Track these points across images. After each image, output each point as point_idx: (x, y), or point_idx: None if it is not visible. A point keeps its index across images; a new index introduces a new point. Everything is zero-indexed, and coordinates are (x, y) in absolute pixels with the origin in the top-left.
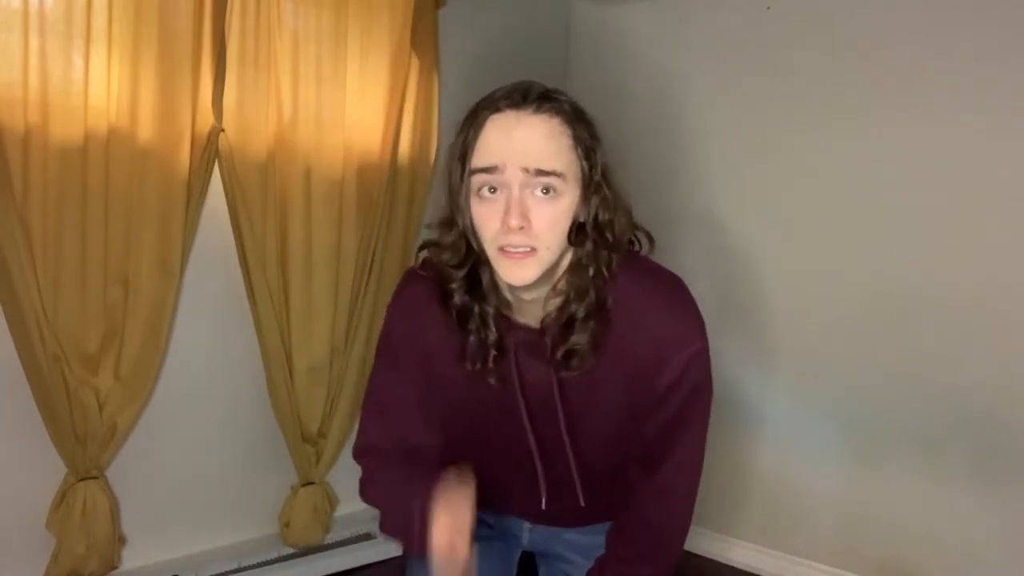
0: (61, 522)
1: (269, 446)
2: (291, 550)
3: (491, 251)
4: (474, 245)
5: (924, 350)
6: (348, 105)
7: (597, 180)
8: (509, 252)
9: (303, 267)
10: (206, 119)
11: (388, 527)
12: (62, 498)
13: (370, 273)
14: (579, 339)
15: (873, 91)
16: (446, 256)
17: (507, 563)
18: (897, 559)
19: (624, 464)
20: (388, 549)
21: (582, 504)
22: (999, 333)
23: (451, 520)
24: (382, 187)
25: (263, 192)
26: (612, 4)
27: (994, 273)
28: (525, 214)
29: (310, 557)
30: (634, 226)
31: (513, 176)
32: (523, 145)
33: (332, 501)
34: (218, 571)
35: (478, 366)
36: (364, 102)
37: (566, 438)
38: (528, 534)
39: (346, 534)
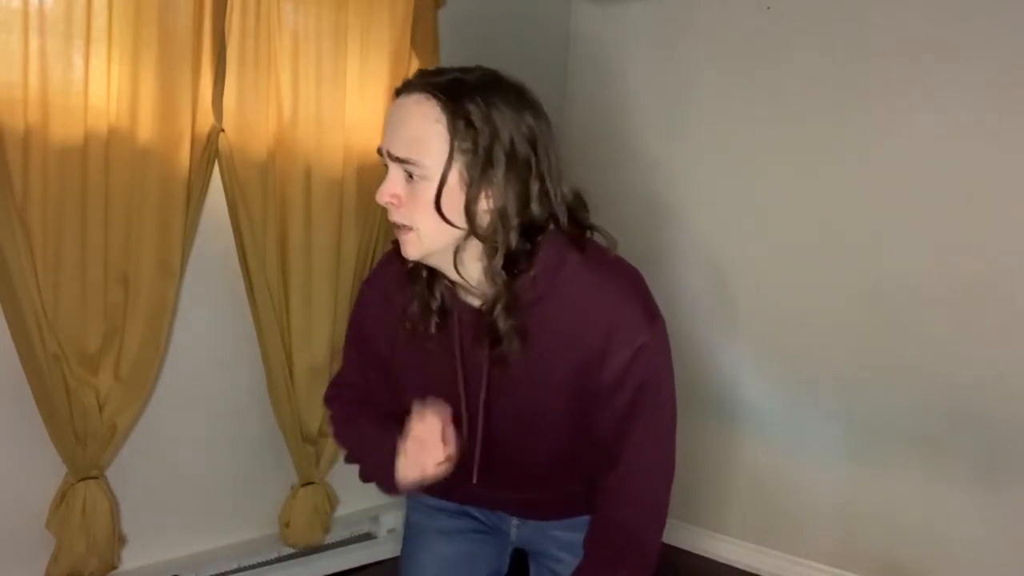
0: (61, 522)
1: (269, 446)
2: (291, 550)
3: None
4: None
5: (924, 350)
6: (348, 105)
7: (482, 163)
8: (397, 227)
9: (303, 267)
10: (206, 119)
11: (362, 470)
12: (62, 498)
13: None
14: (502, 326)
15: (873, 90)
16: None
17: (498, 560)
18: (897, 559)
19: (575, 456)
20: (388, 549)
21: (475, 481)
22: (999, 333)
23: (420, 450)
24: None
25: (263, 192)
26: (612, 4)
27: (994, 273)
28: (393, 192)
29: (310, 557)
30: (582, 214)
31: (388, 159)
32: (393, 130)
33: (332, 501)
34: (218, 571)
35: (420, 329)
36: (364, 102)
37: (480, 420)
38: (516, 530)
39: (346, 534)
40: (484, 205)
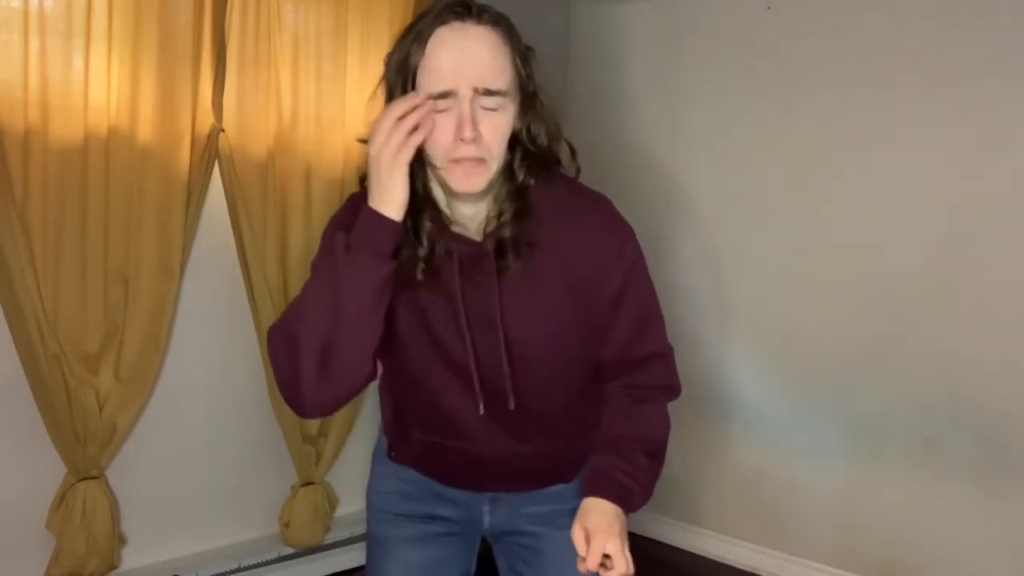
0: (61, 522)
1: (269, 446)
2: (291, 550)
3: (441, 163)
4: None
5: (924, 349)
6: (348, 105)
7: (532, 90)
8: (459, 160)
9: (303, 267)
10: (206, 119)
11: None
12: (62, 498)
13: None
14: (505, 230)
15: (874, 90)
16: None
17: (468, 559)
18: (897, 559)
19: (570, 391)
20: None
21: (511, 407)
22: (1000, 333)
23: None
24: None
25: (263, 192)
26: (612, 4)
27: (995, 273)
28: (477, 127)
29: (310, 557)
30: (568, 147)
31: (465, 97)
32: (474, 65)
33: (332, 501)
34: (218, 571)
35: (408, 278)
36: (364, 102)
37: (503, 349)
38: (488, 516)
39: (346, 534)
40: (534, 130)
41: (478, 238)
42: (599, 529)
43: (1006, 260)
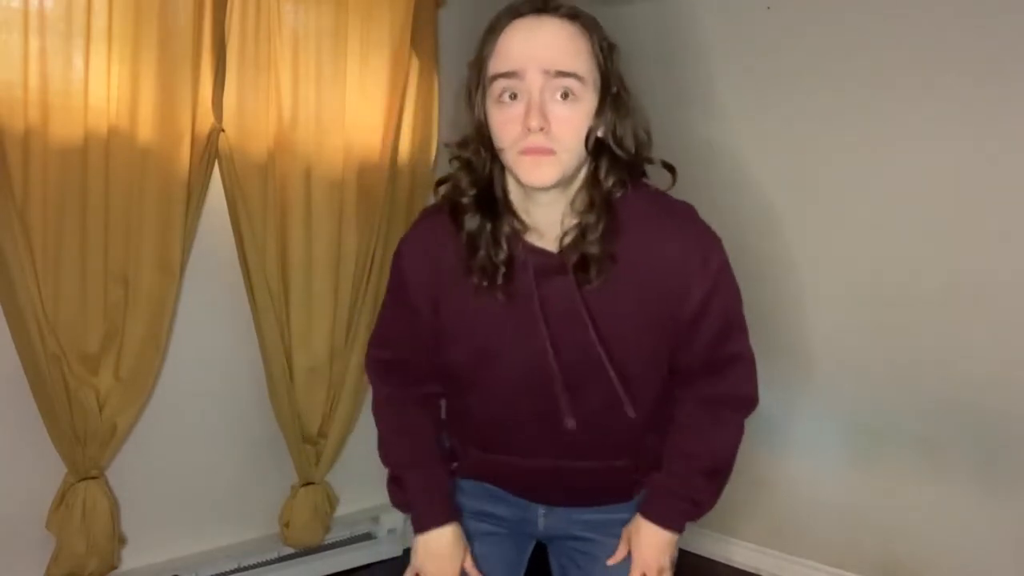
0: (61, 522)
1: (269, 446)
2: (291, 550)
3: (511, 156)
4: (486, 159)
5: (925, 350)
6: (348, 105)
7: (615, 90)
8: (528, 150)
9: (303, 267)
10: (206, 119)
11: (386, 464)
12: (62, 498)
13: (370, 273)
14: (592, 247)
15: (874, 90)
16: (462, 174)
17: (518, 558)
18: (897, 559)
19: (640, 400)
20: (388, 549)
21: (632, 416)
22: (1000, 333)
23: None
24: (382, 187)
25: (263, 192)
26: (612, 4)
27: (995, 273)
28: (545, 115)
29: (310, 557)
30: (649, 154)
31: (533, 81)
32: (543, 47)
33: (332, 501)
34: (218, 571)
35: (485, 283)
36: (364, 102)
37: (599, 345)
38: (543, 519)
39: (346, 534)
40: (616, 130)
41: (554, 249)
42: (647, 564)
43: (1006, 260)
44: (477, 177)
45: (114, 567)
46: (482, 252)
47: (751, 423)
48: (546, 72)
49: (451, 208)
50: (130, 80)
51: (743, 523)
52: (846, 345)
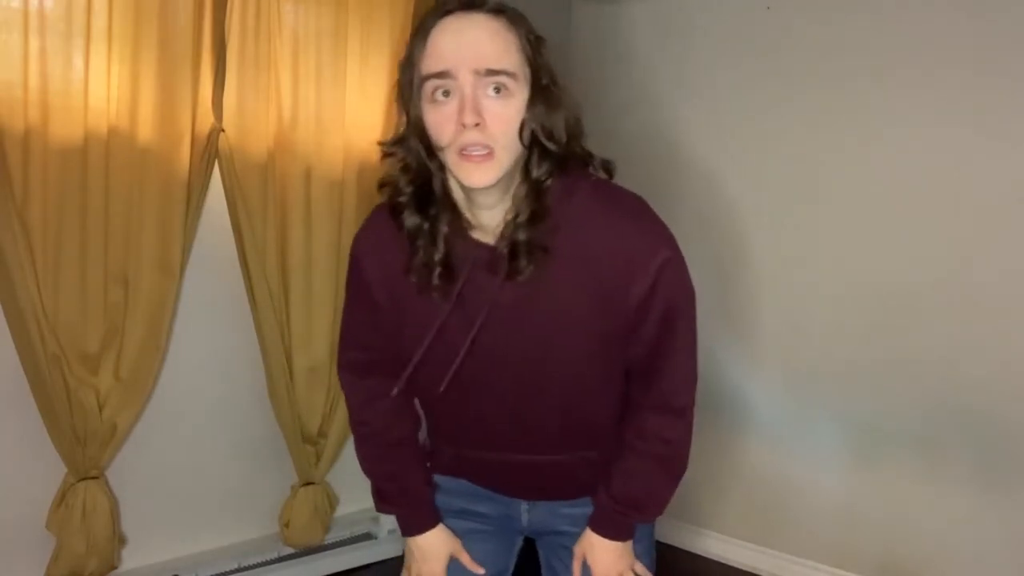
0: (61, 522)
1: (269, 446)
2: (291, 550)
3: (450, 156)
4: (424, 157)
5: (924, 350)
6: (348, 105)
7: (545, 82)
8: (468, 155)
9: (303, 267)
10: (206, 119)
11: (366, 473)
12: (62, 498)
13: None
14: (519, 233)
15: (873, 90)
16: (399, 174)
17: (506, 555)
18: (897, 559)
19: (599, 401)
20: (388, 549)
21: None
22: (1000, 333)
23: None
24: None
25: (263, 192)
26: (612, 4)
27: (995, 273)
28: (479, 112)
29: (310, 557)
30: (587, 150)
31: (465, 79)
32: (473, 46)
33: (332, 501)
34: (218, 571)
35: (424, 282)
36: (364, 102)
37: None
38: (527, 515)
39: (346, 534)
40: (547, 122)
41: (493, 241)
42: (607, 574)
43: (1006, 260)
44: (414, 176)
45: (114, 567)
46: (421, 253)
47: (751, 423)
48: (476, 71)
49: (391, 208)
50: (130, 80)
51: (743, 523)
52: (846, 345)
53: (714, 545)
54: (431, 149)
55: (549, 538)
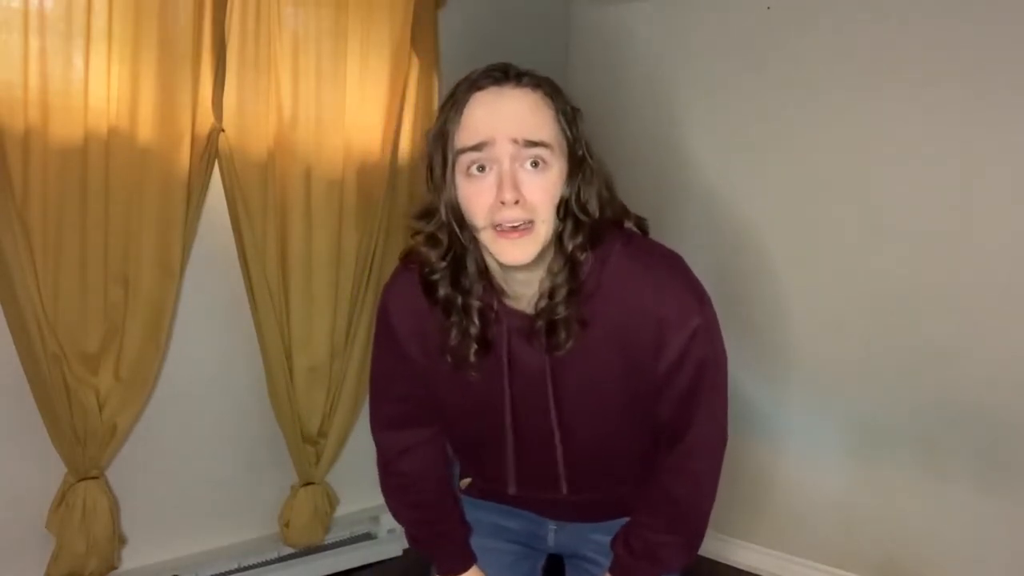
0: (61, 522)
1: (269, 446)
2: (291, 550)
3: (486, 232)
4: (457, 232)
5: (924, 350)
6: (348, 105)
7: (580, 153)
8: (505, 231)
9: (303, 267)
10: (206, 119)
11: (399, 521)
12: (62, 498)
13: (370, 273)
14: (558, 310)
15: (874, 90)
16: (428, 248)
17: (530, 572)
18: (897, 559)
19: (629, 451)
20: (388, 549)
21: (564, 492)
22: (1000, 333)
23: None
24: (382, 187)
25: (263, 192)
26: (612, 4)
27: (995, 273)
28: (518, 187)
29: (310, 557)
30: (622, 207)
31: (503, 150)
32: (511, 117)
33: (332, 501)
34: (218, 571)
35: (459, 360)
36: (364, 102)
37: (555, 423)
38: (553, 535)
39: (346, 534)
40: (584, 195)
41: (530, 311)
42: None
43: (1006, 261)
44: (445, 251)
45: (114, 567)
46: (455, 330)
47: (752, 423)
48: (515, 142)
49: (423, 284)
50: (130, 80)
51: (743, 523)
52: (846, 345)
53: (714, 545)
54: (463, 223)
55: (576, 561)
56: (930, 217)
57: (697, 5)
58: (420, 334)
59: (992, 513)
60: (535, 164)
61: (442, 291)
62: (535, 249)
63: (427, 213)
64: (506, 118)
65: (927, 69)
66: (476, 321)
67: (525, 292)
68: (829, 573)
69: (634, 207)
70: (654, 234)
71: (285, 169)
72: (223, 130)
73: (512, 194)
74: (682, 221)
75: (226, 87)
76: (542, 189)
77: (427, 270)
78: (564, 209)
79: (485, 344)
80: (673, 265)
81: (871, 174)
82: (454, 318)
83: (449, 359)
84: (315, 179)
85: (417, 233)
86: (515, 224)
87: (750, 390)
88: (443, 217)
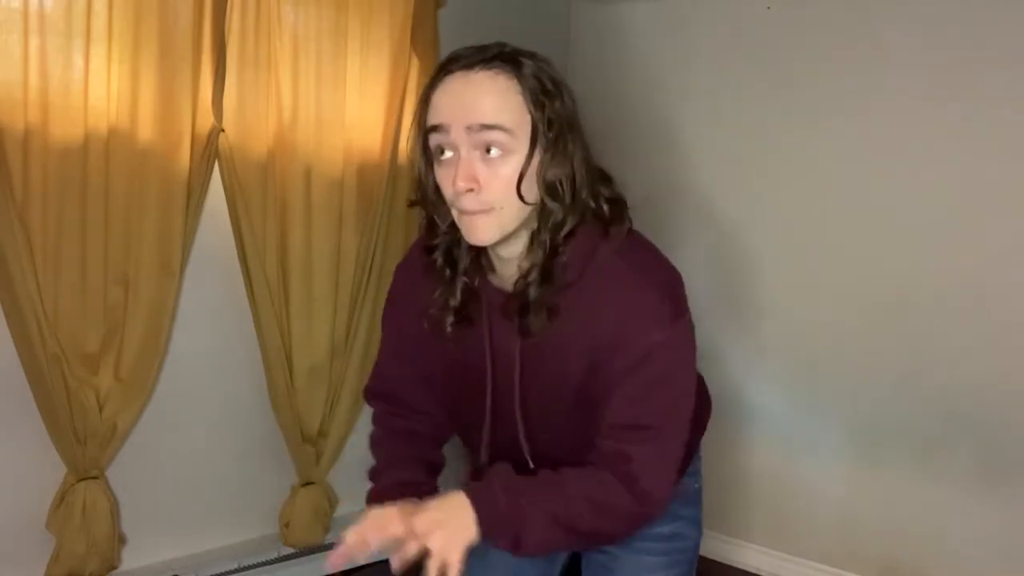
0: (61, 522)
1: (269, 446)
2: (291, 550)
3: (455, 214)
4: (447, 207)
5: (924, 350)
6: (348, 105)
7: (549, 136)
8: (467, 212)
9: (303, 267)
10: (206, 119)
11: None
12: (62, 498)
13: (370, 273)
14: (531, 293)
15: (873, 91)
16: (428, 222)
17: (547, 570)
18: (897, 559)
19: (585, 443)
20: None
21: (531, 467)
22: (999, 333)
23: (371, 524)
24: (382, 187)
25: (263, 192)
26: (612, 4)
27: (994, 273)
28: (473, 176)
29: (310, 557)
30: (608, 193)
31: (459, 136)
32: (467, 104)
33: (332, 501)
34: (218, 571)
35: (438, 330)
36: (364, 102)
37: (517, 402)
38: None
39: None
40: (550, 177)
41: (510, 287)
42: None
43: (1006, 262)
44: (441, 221)
45: (114, 567)
46: (440, 299)
47: (752, 424)
48: (469, 128)
49: (424, 247)
50: (130, 80)
51: (743, 523)
52: (846, 346)
53: (715, 545)
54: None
55: (590, 556)
56: (931, 217)
57: (697, 5)
58: (416, 305)
59: (992, 513)
60: (488, 150)
61: (437, 261)
62: (497, 231)
63: (419, 189)
64: (463, 104)
65: (928, 69)
66: (457, 295)
67: (506, 270)
68: (829, 573)
69: (634, 203)
70: (652, 234)
71: (285, 169)
72: (223, 130)
73: (465, 183)
74: (680, 220)
75: (226, 87)
76: (497, 177)
77: (430, 236)
78: (533, 194)
79: (464, 317)
80: (659, 276)
81: (871, 174)
82: (439, 288)
83: (427, 326)
84: (315, 179)
85: (413, 203)
86: (475, 209)
87: (750, 391)
88: (431, 195)
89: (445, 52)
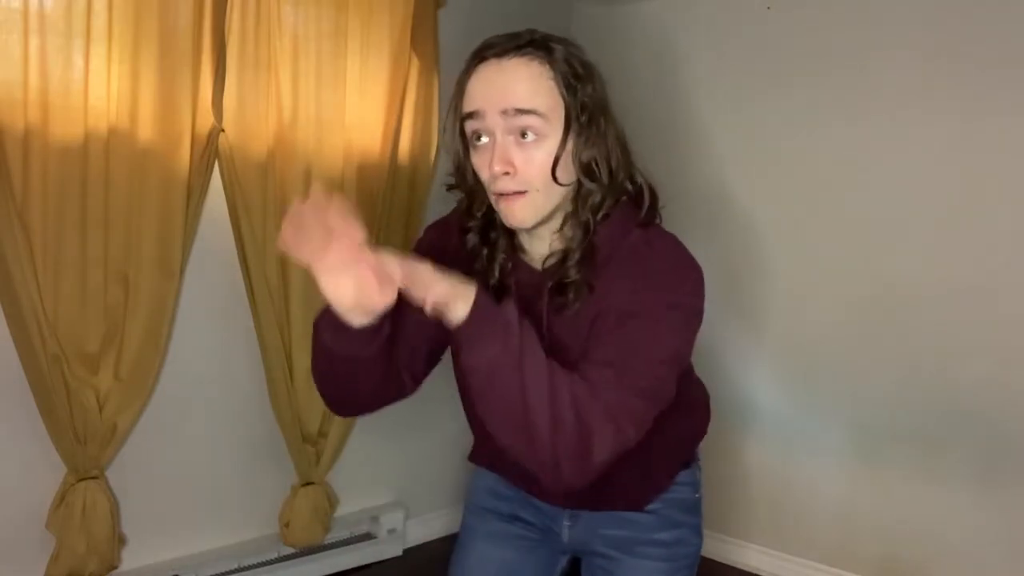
0: (61, 522)
1: (269, 446)
2: (291, 550)
3: (491, 198)
4: (483, 191)
5: (925, 350)
6: (348, 105)
7: (585, 119)
8: (504, 196)
9: (303, 267)
10: (206, 119)
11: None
12: (62, 498)
13: None
14: (571, 273)
15: (874, 91)
16: (462, 201)
17: (548, 569)
18: (897, 559)
19: None
20: (388, 549)
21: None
22: (1000, 333)
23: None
24: (382, 187)
25: (263, 192)
26: (612, 4)
27: (995, 273)
28: (508, 160)
29: (310, 557)
30: (631, 172)
31: (494, 122)
32: (501, 90)
33: (332, 501)
34: (218, 571)
35: None
36: (364, 102)
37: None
38: (568, 531)
39: (346, 534)
40: (585, 159)
41: (539, 266)
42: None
43: (1005, 260)
44: (479, 205)
45: (114, 567)
46: (476, 277)
47: (752, 423)
48: (504, 113)
49: (459, 228)
50: (130, 80)
51: (743, 523)
52: (846, 346)
53: (715, 545)
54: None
55: (590, 559)
56: (931, 217)
57: (697, 5)
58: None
59: (992, 513)
60: (524, 135)
61: (471, 241)
62: (533, 213)
63: (457, 172)
64: (497, 90)
65: (929, 69)
66: (495, 273)
67: (537, 250)
68: (829, 573)
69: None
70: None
71: (285, 169)
72: (223, 130)
73: (501, 167)
74: (682, 220)
75: (226, 87)
76: (532, 161)
77: (467, 217)
78: (568, 176)
79: (500, 293)
80: (686, 271)
81: (872, 174)
82: (477, 266)
83: None
84: (315, 178)
85: (452, 187)
86: (510, 192)
87: (750, 391)
88: (467, 176)
89: (445, 52)
